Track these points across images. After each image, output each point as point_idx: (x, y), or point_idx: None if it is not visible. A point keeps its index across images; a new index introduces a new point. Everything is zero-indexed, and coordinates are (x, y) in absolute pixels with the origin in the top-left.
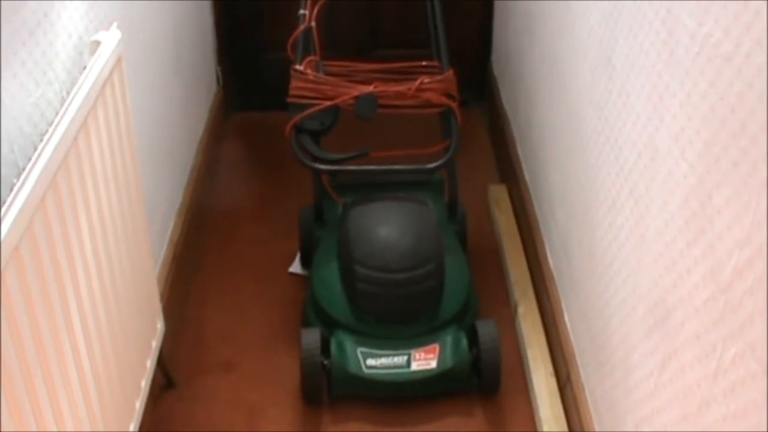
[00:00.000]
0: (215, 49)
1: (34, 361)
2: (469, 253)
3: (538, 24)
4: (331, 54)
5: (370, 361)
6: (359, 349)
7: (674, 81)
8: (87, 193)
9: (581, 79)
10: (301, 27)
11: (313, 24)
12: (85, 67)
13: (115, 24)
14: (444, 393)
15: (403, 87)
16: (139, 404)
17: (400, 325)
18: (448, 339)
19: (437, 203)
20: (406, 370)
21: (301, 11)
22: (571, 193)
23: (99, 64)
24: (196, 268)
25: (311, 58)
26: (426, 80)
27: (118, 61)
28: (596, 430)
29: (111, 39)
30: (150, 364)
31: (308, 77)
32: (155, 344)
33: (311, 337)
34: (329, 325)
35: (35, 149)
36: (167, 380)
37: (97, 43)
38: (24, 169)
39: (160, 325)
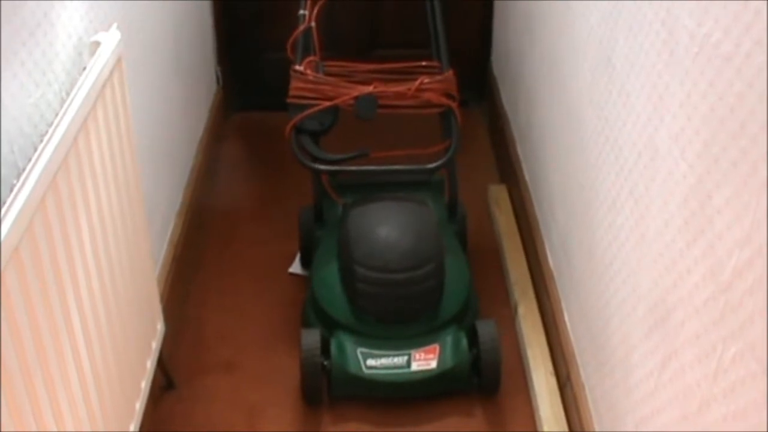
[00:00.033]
0: (215, 50)
1: (34, 361)
2: (469, 253)
3: (538, 24)
4: (330, 54)
5: (370, 362)
6: (359, 350)
7: (674, 81)
8: (87, 193)
9: (581, 79)
10: (301, 27)
11: (313, 24)
12: (84, 68)
13: (114, 24)
14: (444, 393)
15: (402, 87)
16: (139, 405)
17: (400, 326)
18: (448, 339)
19: (437, 203)
20: (406, 370)
21: (301, 11)
22: (571, 193)
23: (99, 64)
24: (196, 268)
25: (311, 58)
26: (426, 80)
27: (118, 61)
28: (596, 429)
29: (111, 39)
30: (150, 364)
31: (308, 77)
32: (155, 345)
33: (311, 337)
34: (329, 325)
35: (35, 150)
36: (167, 381)
37: (97, 44)
38: (24, 169)
39: (160, 326)
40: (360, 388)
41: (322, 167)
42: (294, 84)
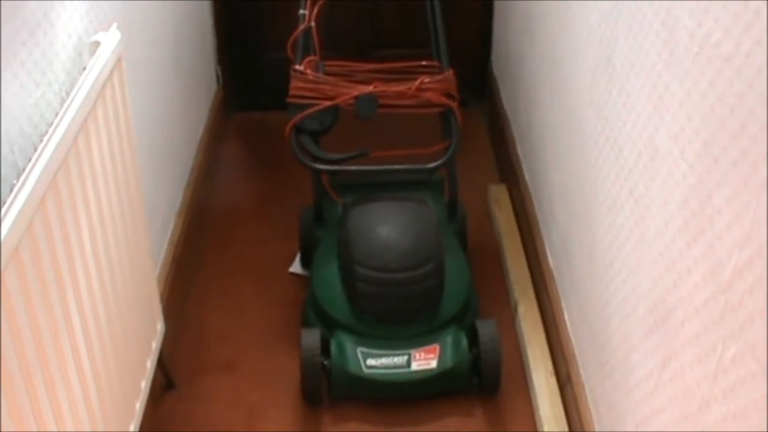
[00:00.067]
0: (215, 49)
1: (34, 361)
2: (469, 252)
3: (538, 24)
4: (330, 54)
5: (370, 361)
6: (359, 349)
7: (674, 81)
8: (87, 193)
9: (581, 79)
10: (301, 27)
11: (313, 24)
12: (84, 68)
13: (114, 24)
14: (444, 393)
15: (403, 87)
16: (139, 405)
17: (400, 325)
18: (448, 339)
19: (437, 203)
20: (406, 370)
21: (301, 11)
22: (571, 192)
23: (99, 64)
24: (196, 268)
25: (311, 58)
26: (426, 80)
27: (118, 61)
28: (596, 429)
29: (111, 39)
30: (150, 364)
31: (308, 77)
32: (155, 345)
33: (311, 337)
34: (329, 325)
35: (35, 150)
36: (167, 381)
37: (97, 44)
38: (24, 169)
39: (160, 326)
40: (360, 388)
41: (322, 167)
42: (294, 84)
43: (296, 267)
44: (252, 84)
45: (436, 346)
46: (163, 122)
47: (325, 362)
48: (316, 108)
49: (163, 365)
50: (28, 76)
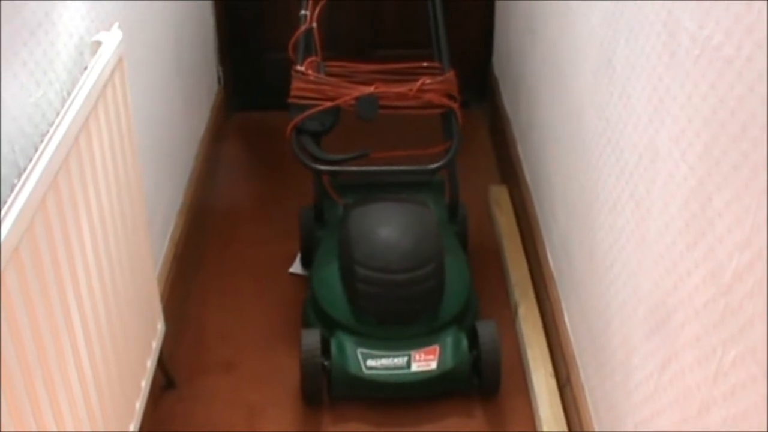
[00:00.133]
0: (216, 49)
1: (35, 361)
2: (469, 253)
3: (539, 25)
4: (332, 55)
5: (371, 362)
6: (359, 350)
7: (675, 83)
8: (88, 193)
9: (582, 80)
10: (302, 28)
11: (314, 25)
12: (86, 68)
13: (116, 24)
14: (444, 394)
15: (404, 88)
16: (139, 404)
17: (401, 326)
18: (449, 340)
19: (438, 204)
20: (406, 370)
21: (302, 12)
22: (572, 194)
23: (100, 64)
24: (197, 268)
25: (312, 58)
26: (427, 81)
27: (120, 61)
28: (596, 430)
29: (112, 39)
30: (150, 364)
31: (309, 78)
32: (155, 344)
33: (311, 337)
34: (329, 325)
35: (36, 149)
36: (167, 380)
37: (98, 44)
38: (25, 169)
39: (160, 326)
40: (360, 389)
41: (323, 167)
42: (295, 84)
43: (296, 267)
44: (253, 84)
45: (436, 347)
46: (164, 122)
47: (326, 363)
48: (317, 109)
49: (163, 365)
50: (29, 75)
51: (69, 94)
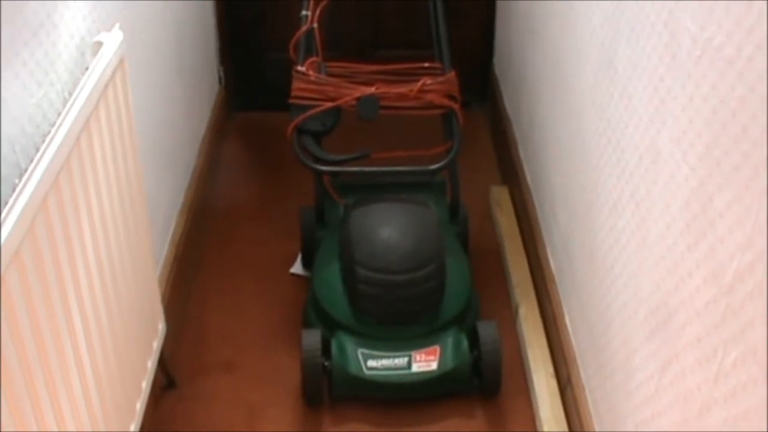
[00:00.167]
0: (217, 50)
1: (35, 361)
2: (470, 254)
3: (540, 25)
4: (333, 55)
5: (371, 363)
6: (360, 351)
7: (676, 84)
8: (89, 193)
9: (583, 81)
10: (303, 28)
11: (315, 25)
12: (87, 68)
13: (117, 25)
14: (445, 394)
15: (405, 88)
16: (140, 404)
17: (401, 327)
18: (449, 340)
19: (439, 205)
20: (406, 371)
21: (303, 12)
22: (573, 195)
23: (101, 64)
24: (197, 268)
25: (313, 59)
26: (428, 81)
27: (121, 61)
28: (597, 431)
29: (113, 40)
30: (151, 364)
31: (310, 78)
32: (156, 345)
33: (312, 338)
34: (330, 326)
35: (37, 150)
36: (168, 380)
37: (100, 44)
38: (26, 169)
39: (161, 326)
40: (360, 389)
41: (324, 168)
42: (296, 84)
43: (297, 268)
44: (254, 84)
45: (437, 348)
46: (166, 122)
47: (326, 363)
48: (318, 109)
49: (164, 365)
50: (31, 76)
51: (70, 94)
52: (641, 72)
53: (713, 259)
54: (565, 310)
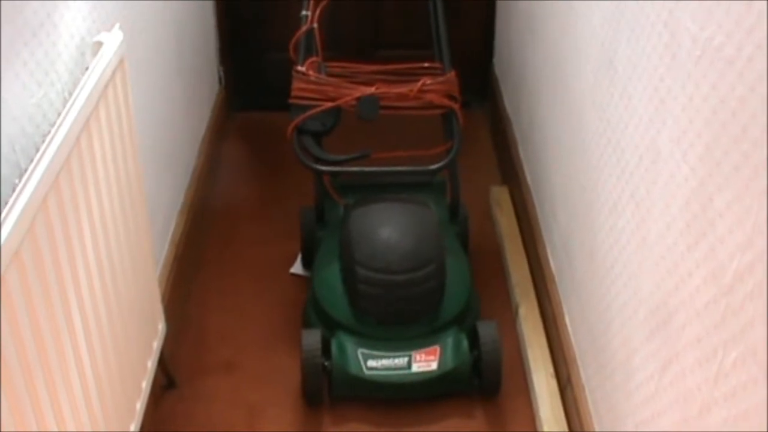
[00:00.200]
0: (217, 50)
1: (35, 361)
2: (470, 254)
3: (540, 25)
4: (332, 55)
5: (371, 363)
6: (360, 351)
7: (676, 84)
8: (89, 193)
9: (583, 81)
10: (303, 28)
11: (315, 25)
12: (87, 68)
13: (117, 25)
14: (445, 394)
15: (405, 88)
16: (140, 404)
17: (401, 327)
18: (449, 340)
19: (439, 205)
20: (406, 371)
21: (303, 12)
22: (573, 195)
23: (101, 64)
24: (198, 268)
25: (313, 59)
26: (428, 81)
27: (121, 61)
28: (597, 431)
29: (113, 40)
30: (151, 364)
31: (310, 78)
32: (156, 345)
33: (312, 338)
34: (330, 326)
35: (37, 150)
36: (168, 380)
37: (100, 44)
38: (26, 169)
39: (161, 326)
40: (361, 389)
41: (324, 168)
42: (296, 85)
43: (297, 268)
44: (254, 84)
45: (437, 348)
46: (166, 122)
47: (326, 363)
48: (318, 109)
49: (164, 365)
50: (31, 76)
51: (70, 94)
52: (641, 72)
53: (713, 259)
54: (565, 310)
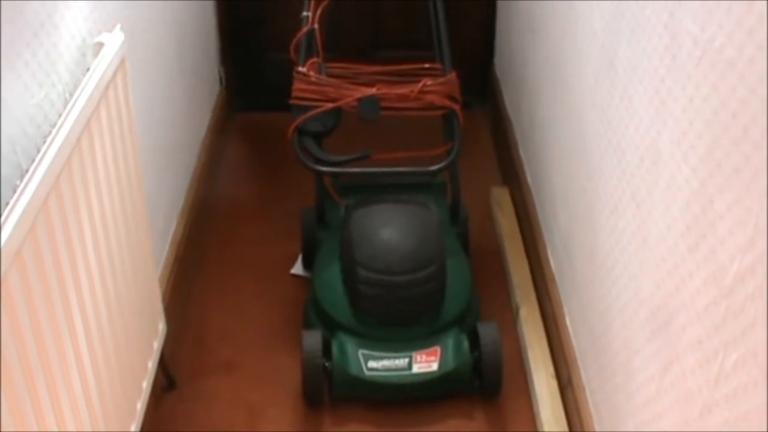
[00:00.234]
0: (218, 50)
1: (36, 362)
2: (471, 255)
3: (541, 26)
4: (333, 56)
5: (372, 363)
6: (360, 351)
7: (677, 85)
8: (90, 194)
9: (584, 82)
10: (304, 29)
11: (316, 26)
12: (88, 69)
13: (118, 26)
14: (445, 395)
15: (405, 89)
16: (140, 405)
17: (402, 328)
18: (450, 341)
19: (440, 205)
20: (407, 372)
21: (304, 13)
22: (573, 196)
23: (102, 65)
24: (198, 268)
25: (314, 59)
26: (429, 82)
27: (122, 62)
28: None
29: (114, 40)
30: (151, 364)
31: (311, 79)
32: (157, 345)
33: (313, 338)
34: (331, 326)
35: (38, 151)
36: (168, 381)
37: (101, 45)
38: (27, 170)
39: (161, 326)
40: (361, 390)
41: (325, 169)
42: (297, 85)
43: (298, 268)
44: (254, 85)
45: (438, 349)
46: (166, 123)
47: (327, 364)
48: (319, 110)
49: (164, 365)
50: (32, 76)
51: (71, 95)
52: (642, 73)
53: (714, 261)
54: (565, 311)
